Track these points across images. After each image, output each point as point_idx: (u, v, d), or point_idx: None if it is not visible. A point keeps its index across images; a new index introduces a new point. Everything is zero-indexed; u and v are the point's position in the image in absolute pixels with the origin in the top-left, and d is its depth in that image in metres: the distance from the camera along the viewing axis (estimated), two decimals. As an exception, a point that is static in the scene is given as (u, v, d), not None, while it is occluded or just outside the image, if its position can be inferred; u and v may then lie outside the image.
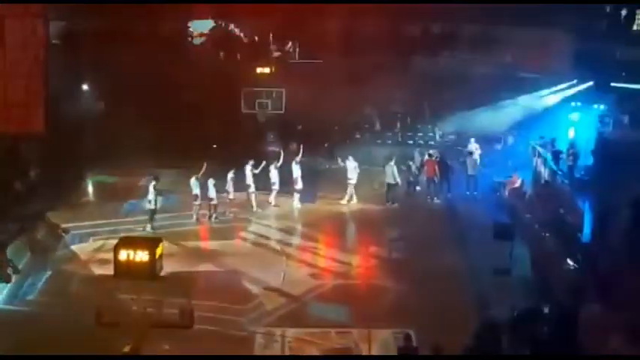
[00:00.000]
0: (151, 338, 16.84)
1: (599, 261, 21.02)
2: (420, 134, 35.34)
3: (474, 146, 30.74)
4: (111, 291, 19.34)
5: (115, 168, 30.42)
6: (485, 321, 17.50)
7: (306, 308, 20.21)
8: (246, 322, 19.27)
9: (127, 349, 16.73)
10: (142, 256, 17.95)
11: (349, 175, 28.26)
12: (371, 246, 24.31)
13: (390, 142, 34.95)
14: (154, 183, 25.43)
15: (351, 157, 28.38)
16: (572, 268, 21.40)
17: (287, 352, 18.11)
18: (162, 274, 20.63)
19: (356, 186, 28.70)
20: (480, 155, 30.02)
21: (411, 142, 34.33)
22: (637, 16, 34.03)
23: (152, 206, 25.31)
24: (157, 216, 25.51)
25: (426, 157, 29.33)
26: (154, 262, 18.11)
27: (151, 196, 25.26)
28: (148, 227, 25.08)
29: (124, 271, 18.05)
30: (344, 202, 28.21)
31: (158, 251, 18.51)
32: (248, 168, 27.40)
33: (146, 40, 33.46)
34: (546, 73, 33.94)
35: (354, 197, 28.26)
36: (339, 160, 28.89)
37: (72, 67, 30.89)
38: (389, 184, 28.18)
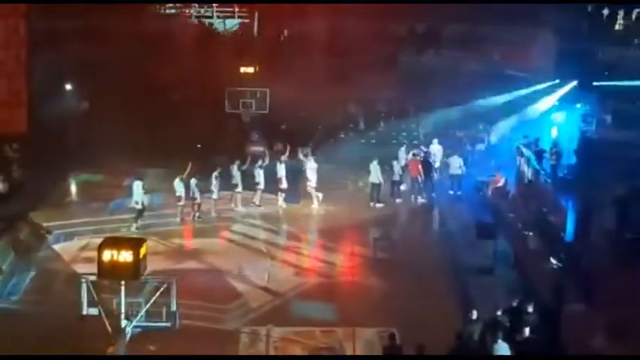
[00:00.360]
0: (135, 338, 16.82)
1: (582, 260, 21.15)
2: (404, 133, 35.40)
3: (436, 147, 30.54)
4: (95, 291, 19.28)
5: (99, 167, 30.33)
6: (469, 320, 17.57)
7: (291, 308, 20.21)
8: (230, 321, 19.27)
9: (110, 349, 16.69)
10: (125, 256, 17.82)
11: (309, 177, 27.88)
12: (355, 245, 24.32)
13: (374, 141, 35.00)
14: (139, 183, 25.38)
15: (312, 158, 28.22)
16: (555, 267, 21.53)
17: (272, 351, 18.11)
18: (146, 274, 20.56)
19: (341, 185, 28.76)
20: (439, 157, 29.74)
21: (395, 141, 34.36)
22: (618, 16, 34.33)
23: (139, 206, 25.29)
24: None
25: (410, 156, 29.35)
26: (137, 262, 17.98)
27: (137, 197, 25.22)
28: (133, 227, 25.03)
29: (108, 271, 17.94)
30: (315, 206, 27.88)
31: (142, 251, 18.40)
32: (235, 168, 27.35)
33: (130, 40, 33.43)
34: (530, 72, 34.15)
35: (319, 198, 28.02)
36: (301, 155, 28.49)
37: (55, 67, 30.78)
38: (373, 184, 28.19)
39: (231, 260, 23.12)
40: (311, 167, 27.89)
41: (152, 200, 26.66)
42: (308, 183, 27.91)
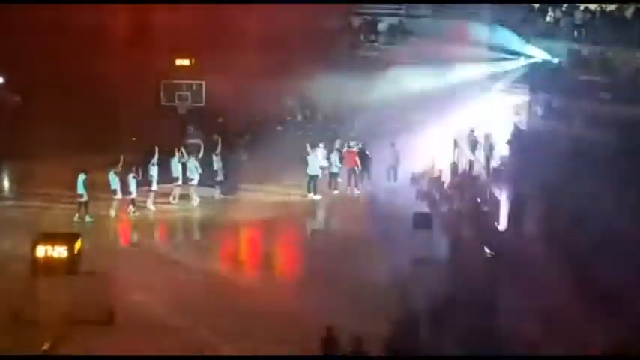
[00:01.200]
0: (70, 335, 16.69)
1: (515, 249, 21.59)
2: (341, 125, 35.51)
3: (320, 152, 29.84)
4: (29, 288, 19.03)
5: (33, 161, 29.79)
6: (406, 310, 17.81)
7: (229, 301, 20.16)
8: (168, 316, 19.14)
9: (46, 346, 16.54)
10: (60, 251, 17.69)
11: (189, 175, 27.43)
12: (293, 237, 24.42)
13: (311, 133, 35.02)
14: (84, 176, 25.24)
15: (192, 158, 27.75)
16: (489, 256, 21.93)
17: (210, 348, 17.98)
18: (82, 270, 20.39)
19: (279, 177, 28.88)
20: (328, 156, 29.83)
21: (331, 133, 34.47)
22: (549, 9, 35.00)
23: (84, 199, 25.19)
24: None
25: (346, 148, 29.55)
26: (72, 257, 17.87)
27: (81, 189, 25.10)
28: (75, 218, 25.02)
29: (42, 267, 17.77)
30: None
31: (77, 246, 18.28)
32: (175, 160, 27.13)
33: (64, 32, 32.91)
34: (463, 63, 34.51)
35: (196, 198, 27.55)
36: (182, 154, 28.03)
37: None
38: (310, 176, 28.33)
39: (168, 254, 23.02)
40: (193, 167, 27.55)
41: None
42: (190, 182, 27.48)
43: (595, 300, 18.05)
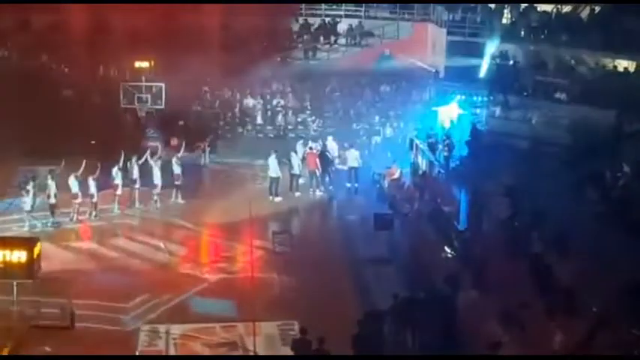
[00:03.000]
0: (31, 339, 16.53)
1: (475, 248, 21.82)
2: (302, 127, 35.63)
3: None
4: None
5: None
6: (368, 309, 17.94)
7: (191, 304, 20.14)
8: (129, 319, 19.07)
9: (5, 350, 16.39)
10: (19, 256, 17.51)
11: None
12: (255, 240, 24.35)
13: (272, 135, 35.08)
14: (50, 176, 25.10)
15: (152, 160, 27.73)
16: (449, 255, 22.14)
17: (172, 349, 17.99)
18: (41, 274, 20.20)
19: (240, 179, 28.86)
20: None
21: (292, 135, 34.55)
22: (505, 10, 35.49)
23: (52, 200, 25.01)
24: (36, 214, 25.03)
25: (307, 150, 29.62)
26: (32, 262, 17.69)
27: (50, 190, 24.93)
28: (49, 222, 24.93)
29: (1, 271, 17.56)
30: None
31: (36, 251, 18.09)
32: (133, 163, 26.95)
33: (21, 33, 32.59)
34: (422, 65, 34.82)
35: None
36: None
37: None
38: (272, 178, 28.32)
39: (130, 258, 22.92)
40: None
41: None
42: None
43: (556, 298, 18.32)
